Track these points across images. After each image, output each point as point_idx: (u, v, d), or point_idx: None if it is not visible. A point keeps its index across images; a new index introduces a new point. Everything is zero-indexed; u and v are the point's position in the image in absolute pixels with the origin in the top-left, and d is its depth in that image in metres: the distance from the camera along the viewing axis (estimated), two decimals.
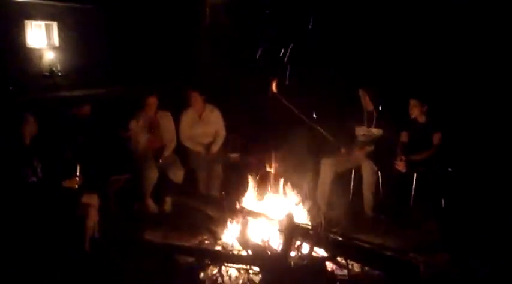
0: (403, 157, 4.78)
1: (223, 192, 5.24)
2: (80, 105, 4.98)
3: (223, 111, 5.68)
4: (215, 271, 3.72)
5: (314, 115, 4.72)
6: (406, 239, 4.29)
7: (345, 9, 13.50)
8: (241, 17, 15.73)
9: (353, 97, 5.22)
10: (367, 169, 4.90)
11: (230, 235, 4.13)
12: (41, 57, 16.82)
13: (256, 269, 3.69)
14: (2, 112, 7.18)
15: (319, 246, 3.80)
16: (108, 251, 3.95)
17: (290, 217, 3.77)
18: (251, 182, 4.39)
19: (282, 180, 4.34)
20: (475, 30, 10.92)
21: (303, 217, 4.19)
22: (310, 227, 3.93)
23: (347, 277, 3.63)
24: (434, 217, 4.74)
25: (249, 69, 11.53)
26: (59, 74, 16.29)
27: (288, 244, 3.66)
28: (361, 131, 5.14)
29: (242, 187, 4.49)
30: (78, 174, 3.98)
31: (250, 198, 4.33)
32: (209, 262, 3.82)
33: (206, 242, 4.29)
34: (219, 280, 3.62)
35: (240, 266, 3.75)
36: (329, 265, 3.78)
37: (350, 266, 3.70)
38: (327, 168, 5.02)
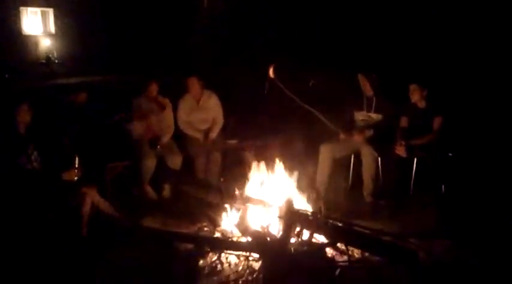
0: (402, 142, 4.75)
1: (221, 178, 5.24)
2: (76, 93, 4.94)
3: (221, 97, 5.63)
4: (214, 258, 3.71)
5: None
6: (406, 224, 4.28)
7: None
8: (239, 3, 15.57)
9: (352, 82, 5.18)
10: (367, 155, 4.87)
11: (229, 222, 4.12)
12: (37, 44, 16.65)
13: (256, 255, 3.68)
14: None
15: (319, 232, 3.79)
16: (106, 238, 3.92)
17: (290, 203, 3.75)
18: (250, 168, 4.36)
19: (281, 165, 4.32)
20: (476, 14, 10.81)
21: (302, 203, 4.17)
22: (309, 213, 3.91)
23: (347, 263, 3.62)
24: (434, 202, 4.73)
25: (247, 55, 11.44)
26: (56, 61, 16.15)
27: (287, 230, 3.65)
28: (360, 116, 5.11)
29: (241, 174, 4.46)
30: (76, 165, 3.94)
31: (249, 184, 4.30)
32: (208, 249, 3.81)
33: (205, 229, 4.27)
34: (219, 267, 3.60)
35: (240, 253, 3.74)
36: (329, 251, 3.77)
37: (350, 252, 3.69)
38: (326, 154, 4.99)
